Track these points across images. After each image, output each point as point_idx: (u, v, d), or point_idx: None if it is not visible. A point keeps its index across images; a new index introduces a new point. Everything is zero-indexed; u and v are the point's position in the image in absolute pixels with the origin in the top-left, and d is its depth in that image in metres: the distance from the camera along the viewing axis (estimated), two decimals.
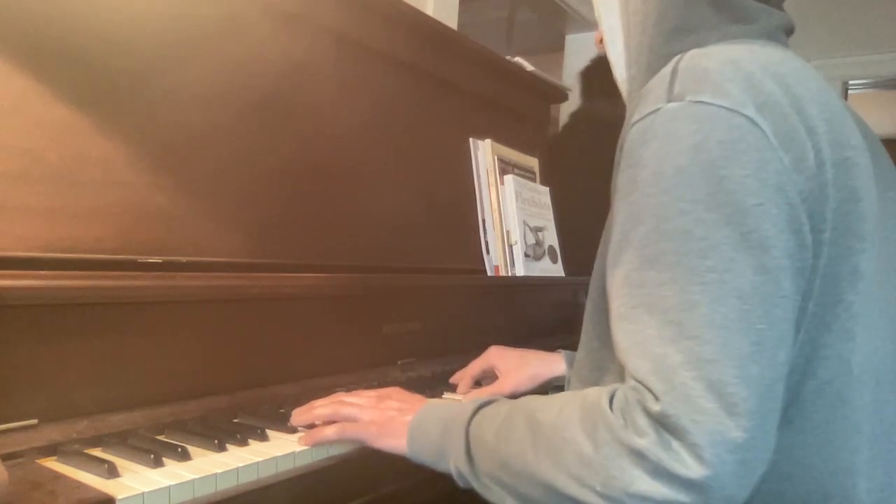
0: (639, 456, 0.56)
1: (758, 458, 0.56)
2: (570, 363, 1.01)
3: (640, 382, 0.58)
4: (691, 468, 0.54)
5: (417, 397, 0.82)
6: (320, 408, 0.81)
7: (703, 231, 0.58)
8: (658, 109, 0.62)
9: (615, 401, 0.60)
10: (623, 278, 0.62)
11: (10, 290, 0.65)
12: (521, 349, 1.08)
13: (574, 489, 0.59)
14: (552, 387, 1.05)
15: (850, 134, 0.66)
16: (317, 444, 0.76)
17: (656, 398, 0.56)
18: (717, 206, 0.58)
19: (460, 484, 0.71)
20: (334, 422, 0.79)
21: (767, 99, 0.61)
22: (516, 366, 1.04)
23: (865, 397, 0.63)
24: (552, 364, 1.05)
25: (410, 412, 0.77)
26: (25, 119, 0.76)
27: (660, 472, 0.55)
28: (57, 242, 0.76)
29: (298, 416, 0.81)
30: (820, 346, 0.62)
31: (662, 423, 0.55)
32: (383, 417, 0.78)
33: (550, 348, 1.08)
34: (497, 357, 1.06)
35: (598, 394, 0.62)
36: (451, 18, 1.75)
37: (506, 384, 1.02)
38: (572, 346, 0.83)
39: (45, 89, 0.78)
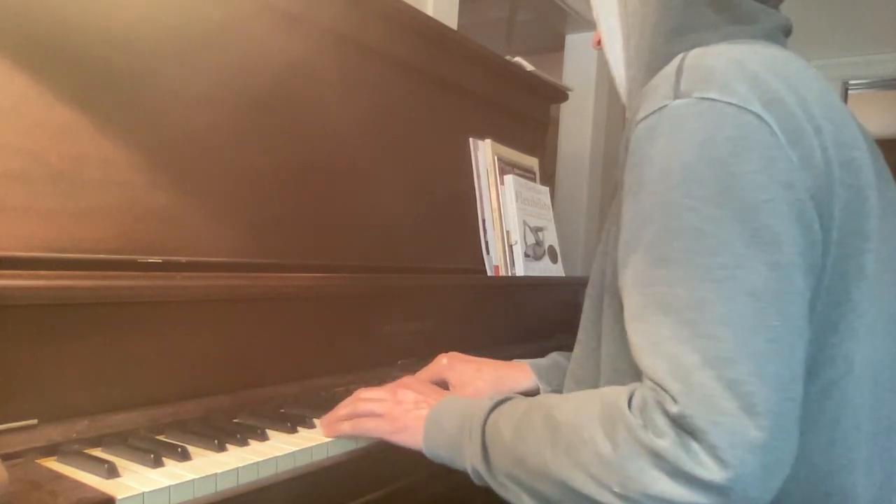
0: (658, 457, 0.55)
1: (780, 458, 0.55)
2: (540, 374, 0.98)
3: (656, 384, 0.57)
4: (711, 471, 0.53)
5: (434, 388, 0.83)
6: (341, 408, 0.81)
7: (713, 228, 0.57)
8: (664, 106, 0.62)
9: (634, 400, 0.59)
10: (633, 278, 0.62)
11: (10, 290, 0.65)
12: (477, 359, 0.99)
13: (591, 489, 0.58)
14: None
15: (853, 134, 0.67)
16: (335, 436, 0.77)
17: (674, 399, 0.55)
18: (727, 203, 0.57)
19: (476, 482, 0.70)
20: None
21: (774, 97, 0.61)
22: (471, 379, 0.96)
23: (865, 396, 0.63)
24: (513, 377, 0.98)
25: (426, 405, 0.77)
26: (26, 119, 0.76)
27: (679, 473, 0.54)
28: (57, 242, 0.76)
29: (323, 419, 0.81)
30: (826, 346, 0.62)
31: (681, 425, 0.54)
32: (398, 411, 0.77)
33: (550, 348, 1.08)
34: (449, 368, 0.97)
35: (616, 393, 0.61)
36: (451, 18, 1.75)
37: None
38: (572, 346, 0.83)
39: (46, 89, 0.78)
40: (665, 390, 0.56)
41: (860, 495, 0.63)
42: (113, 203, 0.82)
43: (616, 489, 0.56)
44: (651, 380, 0.58)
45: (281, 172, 1.05)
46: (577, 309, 0.79)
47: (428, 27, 1.35)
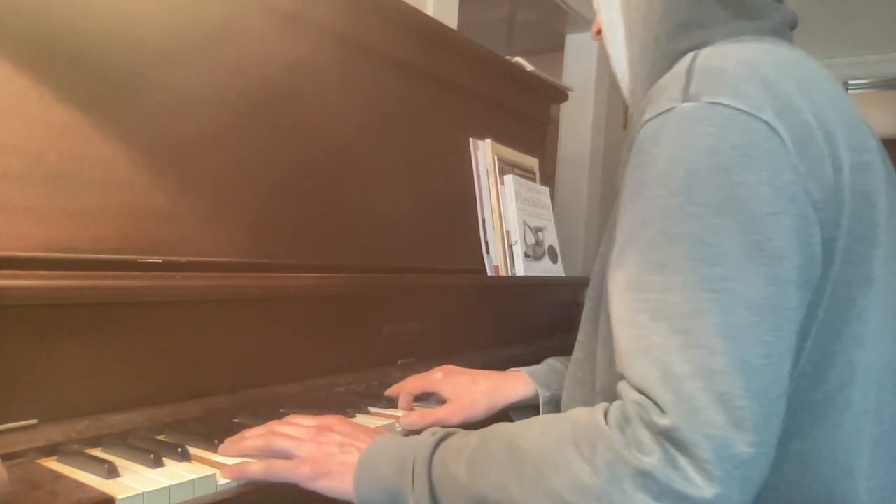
0: (645, 477, 0.52)
1: (760, 475, 0.54)
2: (537, 380, 0.95)
3: (644, 393, 0.55)
4: (701, 487, 0.51)
5: (362, 429, 0.74)
6: (251, 439, 0.71)
7: (714, 237, 0.56)
8: (672, 108, 0.61)
9: (611, 417, 0.57)
10: (627, 281, 0.60)
11: (10, 290, 0.65)
12: (472, 371, 0.96)
13: None
14: (511, 411, 0.95)
15: (865, 136, 0.66)
16: (241, 479, 0.66)
17: (662, 411, 0.53)
18: (730, 213, 0.56)
19: None
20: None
21: (786, 103, 0.60)
22: (466, 392, 0.92)
23: (869, 401, 0.63)
24: (509, 386, 0.94)
25: (354, 449, 0.69)
26: (26, 119, 0.76)
27: (667, 494, 0.52)
28: (57, 242, 0.76)
29: (227, 447, 0.71)
30: (830, 353, 0.61)
31: (669, 438, 0.53)
32: (321, 454, 0.69)
33: (550, 349, 1.07)
34: (443, 382, 0.93)
35: (590, 413, 0.59)
36: (451, 18, 1.75)
37: (455, 413, 0.89)
38: (572, 346, 0.82)
39: (46, 90, 0.78)
40: (653, 400, 0.54)
41: (862, 498, 0.62)
42: (113, 203, 0.82)
43: None
44: (638, 389, 0.56)
45: (281, 172, 1.04)
46: (577, 309, 0.79)
47: (428, 27, 1.35)
